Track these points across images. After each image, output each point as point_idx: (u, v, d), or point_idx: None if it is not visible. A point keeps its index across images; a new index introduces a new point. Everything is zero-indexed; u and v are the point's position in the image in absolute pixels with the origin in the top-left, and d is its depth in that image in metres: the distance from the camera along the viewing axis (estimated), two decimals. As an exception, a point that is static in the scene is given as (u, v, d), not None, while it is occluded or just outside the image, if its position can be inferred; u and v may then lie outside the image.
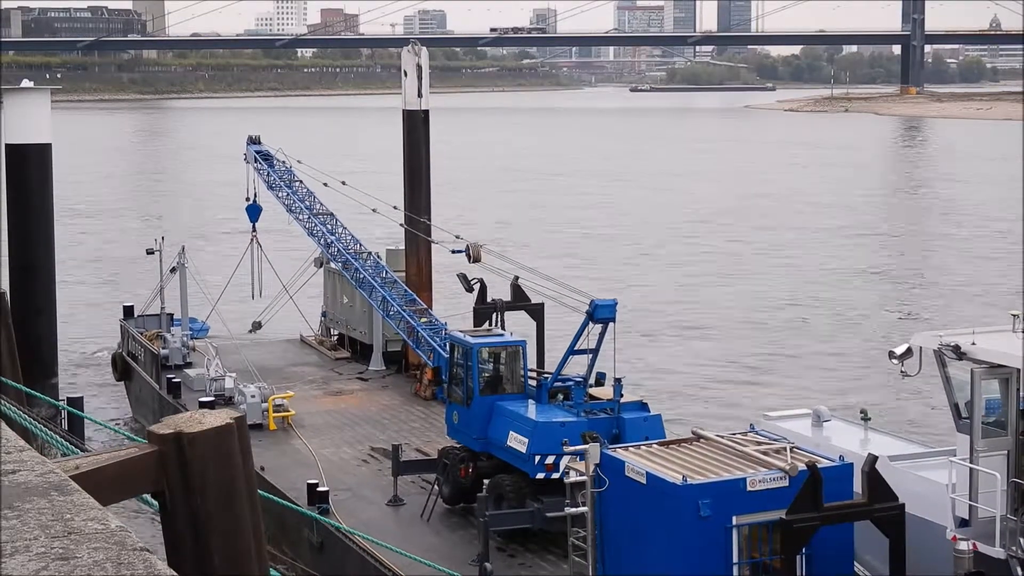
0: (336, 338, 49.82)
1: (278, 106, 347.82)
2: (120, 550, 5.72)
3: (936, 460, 24.85)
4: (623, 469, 22.64)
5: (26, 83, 48.96)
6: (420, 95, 45.59)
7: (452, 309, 50.42)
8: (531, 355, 37.15)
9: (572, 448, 24.45)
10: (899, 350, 24.17)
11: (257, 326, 47.92)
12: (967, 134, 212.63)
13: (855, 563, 23.19)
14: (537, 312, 39.07)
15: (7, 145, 45.09)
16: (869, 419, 27.99)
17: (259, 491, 11.00)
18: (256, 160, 46.52)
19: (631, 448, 23.91)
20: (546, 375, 30.79)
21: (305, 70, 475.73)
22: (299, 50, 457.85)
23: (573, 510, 23.36)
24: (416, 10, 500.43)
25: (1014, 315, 23.70)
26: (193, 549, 9.70)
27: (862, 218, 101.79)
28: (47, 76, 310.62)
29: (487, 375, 30.39)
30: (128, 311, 51.54)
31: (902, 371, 24.22)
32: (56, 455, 12.40)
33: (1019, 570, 22.16)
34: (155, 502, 10.05)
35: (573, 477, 23.66)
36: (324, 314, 50.62)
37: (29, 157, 44.71)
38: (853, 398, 44.50)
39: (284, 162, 46.46)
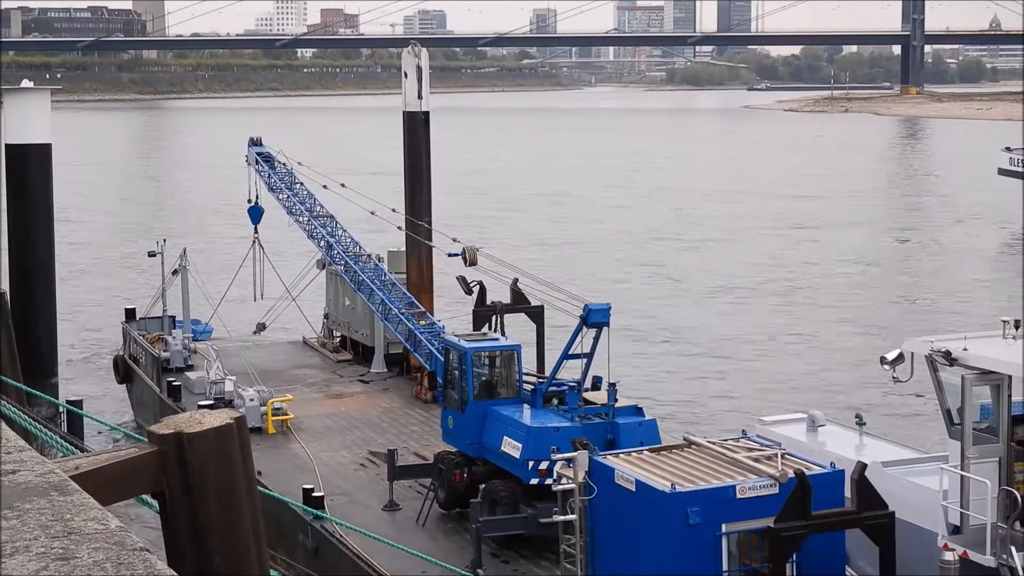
0: (338, 340, 49.61)
1: (278, 106, 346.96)
2: (120, 550, 5.69)
3: (930, 466, 24.66)
4: (613, 476, 22.51)
5: (26, 83, 48.99)
6: (420, 96, 45.75)
7: (453, 312, 50.42)
8: (531, 357, 37.34)
9: (561, 455, 24.43)
10: (891, 356, 24.07)
11: (261, 327, 47.87)
12: (969, 134, 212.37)
13: (848, 569, 23.15)
14: (537, 314, 38.94)
15: (7, 145, 45.04)
16: (864, 424, 27.95)
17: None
18: (257, 162, 46.60)
19: (622, 455, 23.75)
20: (541, 379, 30.76)
21: (305, 70, 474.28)
22: (299, 50, 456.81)
23: (562, 517, 23.25)
24: (416, 10, 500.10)
25: (1004, 321, 23.63)
26: (193, 549, 9.62)
27: (861, 218, 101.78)
28: (47, 76, 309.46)
29: (481, 380, 30.14)
30: (130, 313, 51.44)
31: (894, 377, 24.12)
32: (56, 455, 12.45)
33: None
34: (155, 502, 10.11)
35: (563, 484, 23.49)
36: (326, 316, 50.44)
37: (29, 157, 44.75)
38: (849, 402, 44.52)
39: (285, 164, 46.54)
